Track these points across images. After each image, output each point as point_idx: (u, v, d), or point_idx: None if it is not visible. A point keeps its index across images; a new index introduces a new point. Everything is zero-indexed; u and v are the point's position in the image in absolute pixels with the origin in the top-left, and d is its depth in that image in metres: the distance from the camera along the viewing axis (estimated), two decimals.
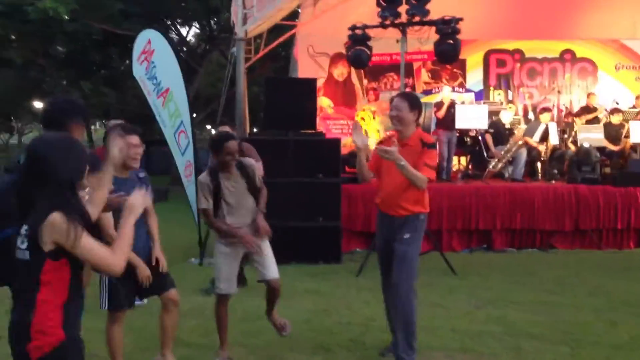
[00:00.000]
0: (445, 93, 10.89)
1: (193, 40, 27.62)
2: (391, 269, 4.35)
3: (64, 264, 2.31)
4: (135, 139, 3.91)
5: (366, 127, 12.26)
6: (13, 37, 19.39)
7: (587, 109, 11.48)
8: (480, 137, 10.60)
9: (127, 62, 23.48)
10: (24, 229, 2.31)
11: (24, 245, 2.30)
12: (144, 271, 3.90)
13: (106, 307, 3.96)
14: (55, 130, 2.98)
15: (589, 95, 11.87)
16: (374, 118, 12.67)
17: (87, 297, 2.92)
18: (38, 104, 30.75)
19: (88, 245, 2.31)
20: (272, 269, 4.51)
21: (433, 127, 12.07)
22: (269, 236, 4.49)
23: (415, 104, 4.34)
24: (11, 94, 25.46)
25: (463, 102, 11.87)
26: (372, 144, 5.01)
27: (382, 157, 4.10)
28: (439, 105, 10.51)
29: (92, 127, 36.01)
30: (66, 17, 15.31)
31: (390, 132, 4.52)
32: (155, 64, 9.20)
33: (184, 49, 24.44)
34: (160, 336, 4.25)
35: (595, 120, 11.10)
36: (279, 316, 4.69)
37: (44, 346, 2.28)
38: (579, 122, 10.93)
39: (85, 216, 2.42)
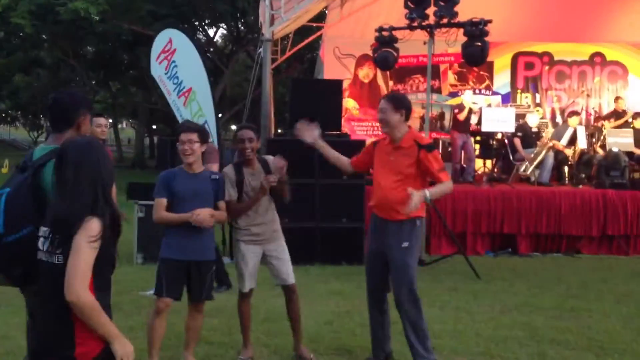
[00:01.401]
0: (466, 98, 10.84)
1: (220, 41, 27.85)
2: (382, 279, 4.32)
3: None
4: (185, 136, 4.07)
5: None
6: (45, 37, 19.75)
7: (616, 113, 11.30)
8: (506, 141, 10.51)
9: None
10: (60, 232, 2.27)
11: (60, 250, 2.26)
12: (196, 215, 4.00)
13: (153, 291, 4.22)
14: (63, 125, 2.95)
15: (616, 99, 11.69)
16: None
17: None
18: None
19: (87, 253, 2.22)
20: (289, 274, 4.57)
21: None
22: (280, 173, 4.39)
23: (400, 105, 4.23)
24: (41, 93, 25.94)
25: (489, 105, 11.79)
26: None
27: (413, 209, 3.96)
28: (460, 107, 10.49)
29: (119, 125, 36.47)
30: (96, 18, 15.55)
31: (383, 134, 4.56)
32: (177, 63, 9.28)
33: (211, 49, 24.64)
34: (185, 336, 4.36)
35: (625, 125, 10.92)
36: (306, 349, 4.64)
37: (90, 352, 2.24)
38: (607, 126, 10.76)
39: (116, 219, 2.38)
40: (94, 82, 27.93)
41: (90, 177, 2.31)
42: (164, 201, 4.09)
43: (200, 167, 4.20)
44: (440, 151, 11.05)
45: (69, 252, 2.24)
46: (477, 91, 12.72)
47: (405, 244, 4.15)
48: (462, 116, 10.34)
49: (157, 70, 9.54)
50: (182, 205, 4.06)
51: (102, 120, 5.96)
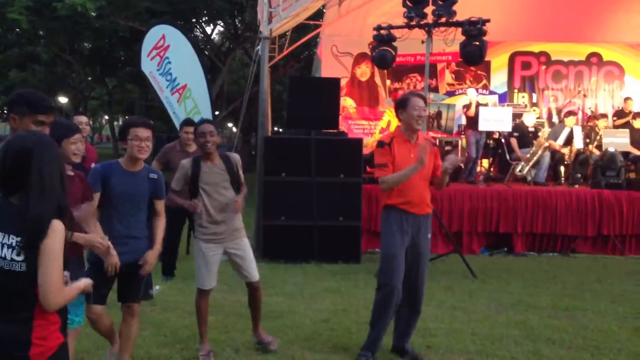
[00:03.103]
0: (472, 95, 10.83)
1: (217, 38, 27.78)
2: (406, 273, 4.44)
3: None
4: (142, 132, 3.83)
5: (392, 128, 12.24)
6: (41, 33, 19.67)
7: (621, 113, 11.33)
8: (503, 140, 10.53)
9: None
10: (14, 239, 2.15)
11: (21, 257, 2.15)
12: (113, 259, 3.64)
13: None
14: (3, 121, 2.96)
15: (626, 99, 11.70)
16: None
17: None
18: (63, 99, 31.15)
19: (60, 259, 2.16)
20: (252, 271, 4.58)
21: (455, 128, 12.05)
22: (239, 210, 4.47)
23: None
24: (37, 88, 25.85)
25: (486, 104, 11.80)
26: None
27: (447, 172, 4.37)
28: (468, 105, 10.52)
29: (115, 122, 36.39)
30: (93, 14, 15.51)
31: (387, 133, 4.75)
32: (170, 59, 9.24)
33: (208, 46, 24.57)
34: (119, 344, 4.09)
35: (626, 124, 10.93)
36: (265, 333, 4.75)
37: (46, 352, 2.23)
38: (601, 125, 10.74)
39: (71, 218, 2.30)
40: (90, 79, 27.85)
41: (56, 176, 2.21)
42: (97, 195, 3.79)
43: (141, 165, 3.93)
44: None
45: (32, 258, 2.14)
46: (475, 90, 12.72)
47: (429, 235, 4.53)
48: (471, 112, 10.36)
49: (148, 66, 9.48)
50: (114, 206, 3.81)
51: (82, 119, 6.06)
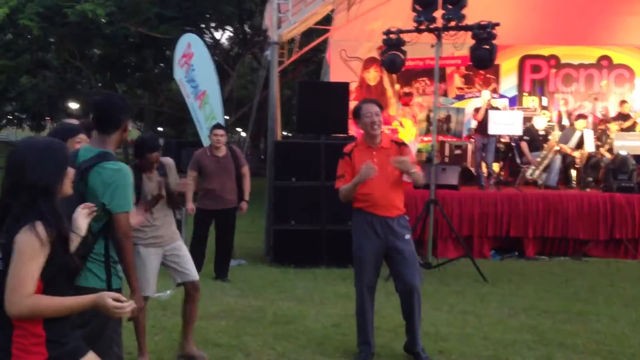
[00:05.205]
0: (485, 97, 10.78)
1: (226, 43, 27.85)
2: (377, 274, 4.57)
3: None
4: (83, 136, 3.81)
5: (405, 133, 12.23)
6: (52, 39, 19.79)
7: (621, 117, 11.27)
8: (513, 144, 10.49)
9: (162, 65, 23.82)
10: (1, 237, 2.15)
11: (0, 255, 2.15)
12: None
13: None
14: (111, 127, 3.01)
15: (621, 102, 11.63)
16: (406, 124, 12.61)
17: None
18: (74, 105, 31.34)
19: (24, 261, 2.09)
20: (191, 270, 4.48)
21: (465, 132, 12.01)
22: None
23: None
24: (48, 94, 26.01)
25: (497, 108, 11.77)
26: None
27: (398, 168, 4.34)
28: (478, 109, 10.50)
29: None
30: (104, 20, 15.59)
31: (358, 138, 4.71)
32: (194, 67, 9.47)
33: (217, 51, 24.64)
34: None
35: (633, 127, 10.87)
36: (195, 346, 4.54)
37: None
38: (612, 128, 10.70)
39: (61, 226, 2.21)
40: (100, 84, 27.98)
41: (25, 179, 2.17)
42: None
43: None
44: (447, 154, 11.05)
45: (7, 257, 2.12)
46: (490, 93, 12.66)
47: (408, 236, 4.54)
48: (479, 116, 10.33)
49: (179, 73, 9.76)
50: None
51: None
